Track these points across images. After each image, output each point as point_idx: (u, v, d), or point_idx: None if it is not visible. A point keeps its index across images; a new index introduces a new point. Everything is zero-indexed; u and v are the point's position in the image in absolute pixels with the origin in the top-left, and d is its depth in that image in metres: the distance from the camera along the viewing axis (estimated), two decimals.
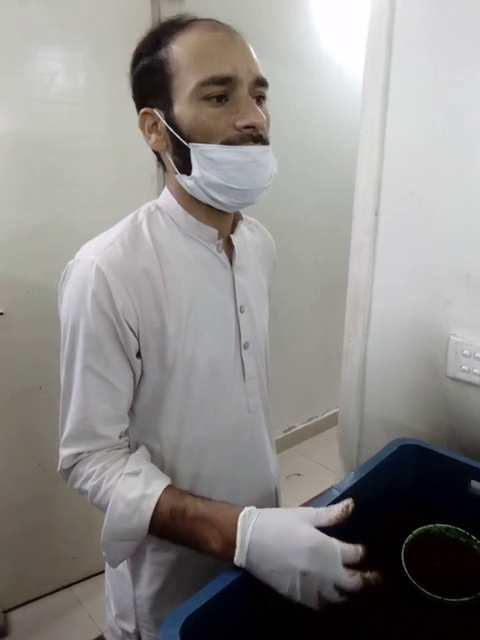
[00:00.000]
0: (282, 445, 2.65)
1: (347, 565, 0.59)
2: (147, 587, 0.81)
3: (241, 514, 0.63)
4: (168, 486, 0.69)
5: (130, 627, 0.84)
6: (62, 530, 1.78)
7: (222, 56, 0.66)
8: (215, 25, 0.68)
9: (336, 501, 0.74)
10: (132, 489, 0.67)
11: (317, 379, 2.73)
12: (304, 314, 2.62)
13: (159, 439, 0.77)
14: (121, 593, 0.84)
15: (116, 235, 0.72)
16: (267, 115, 0.71)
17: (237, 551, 0.61)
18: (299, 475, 2.45)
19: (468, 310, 0.97)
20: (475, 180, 0.92)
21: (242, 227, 0.85)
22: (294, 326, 2.55)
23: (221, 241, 0.78)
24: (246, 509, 0.63)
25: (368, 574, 0.60)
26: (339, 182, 2.46)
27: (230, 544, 0.61)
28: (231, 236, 0.80)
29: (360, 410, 1.20)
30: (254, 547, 0.60)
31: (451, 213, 0.97)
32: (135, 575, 0.82)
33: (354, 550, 0.60)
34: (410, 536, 0.78)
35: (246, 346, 0.81)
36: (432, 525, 0.80)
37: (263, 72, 0.70)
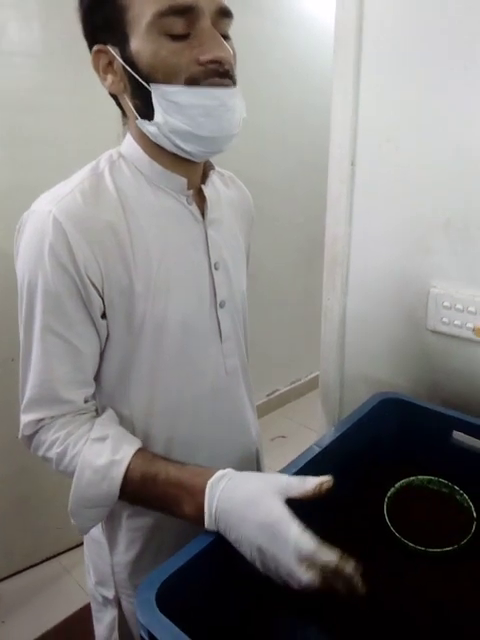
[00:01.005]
0: (266, 408, 2.65)
1: (305, 558, 0.53)
2: (124, 553, 0.79)
3: (210, 480, 0.60)
4: (138, 450, 0.66)
5: (109, 593, 0.82)
6: (45, 501, 1.77)
7: None
8: None
9: (316, 457, 0.72)
10: (99, 455, 0.64)
11: (299, 341, 2.72)
12: (283, 277, 2.59)
13: (129, 404, 0.73)
14: (99, 560, 0.83)
15: (75, 184, 0.66)
16: (233, 50, 0.65)
17: (206, 518, 0.58)
18: (284, 437, 2.46)
19: (448, 258, 0.95)
20: (451, 123, 0.88)
21: (216, 180, 0.80)
22: (274, 289, 2.52)
23: (191, 192, 0.72)
24: (217, 474, 0.60)
25: (348, 571, 0.53)
26: (316, 139, 2.39)
27: (201, 509, 0.59)
28: (202, 187, 0.74)
29: (340, 368, 1.18)
30: (220, 514, 0.57)
31: (429, 158, 0.93)
32: (112, 542, 0.80)
33: (312, 546, 0.53)
34: (392, 489, 0.78)
35: (222, 305, 0.77)
36: (415, 477, 0.80)
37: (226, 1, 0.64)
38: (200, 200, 0.74)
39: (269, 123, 2.26)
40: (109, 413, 0.71)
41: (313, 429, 1.24)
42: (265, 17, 2.15)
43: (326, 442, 0.75)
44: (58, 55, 1.47)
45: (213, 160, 0.77)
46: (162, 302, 0.70)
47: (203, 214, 0.74)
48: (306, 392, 2.86)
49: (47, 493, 1.75)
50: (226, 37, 0.65)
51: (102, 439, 0.66)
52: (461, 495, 0.76)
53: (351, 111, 1.01)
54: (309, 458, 0.71)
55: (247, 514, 0.56)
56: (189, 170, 0.71)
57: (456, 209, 0.92)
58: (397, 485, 0.78)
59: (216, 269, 0.75)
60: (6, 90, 1.42)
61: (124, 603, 0.82)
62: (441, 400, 0.99)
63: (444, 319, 0.95)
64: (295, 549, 0.52)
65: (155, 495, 0.63)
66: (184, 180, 0.71)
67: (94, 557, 0.84)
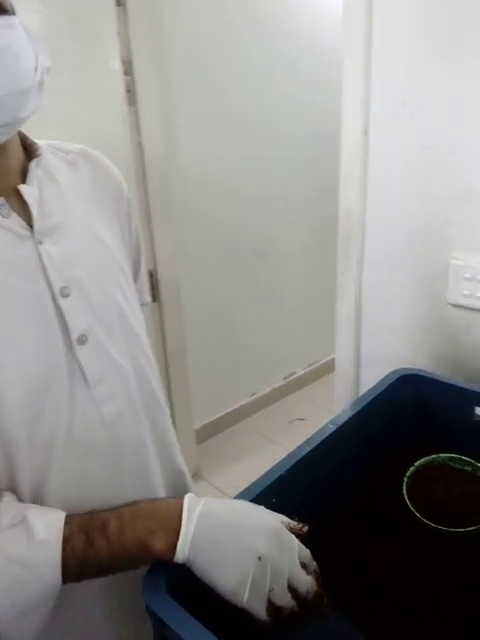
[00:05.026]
0: (284, 391, 2.64)
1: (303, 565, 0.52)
2: None
3: (186, 496, 0.52)
4: (66, 516, 0.51)
5: None
6: None
7: None
8: None
9: (332, 436, 0.70)
10: (18, 543, 0.48)
11: (316, 323, 2.68)
12: (297, 257, 2.54)
13: None
14: None
15: None
16: None
17: (182, 531, 0.49)
18: (302, 420, 2.45)
19: (469, 231, 0.90)
20: (471, 88, 0.83)
21: (52, 166, 0.59)
22: (288, 271, 2.47)
23: (2, 200, 0.52)
24: (190, 494, 0.52)
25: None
26: (331, 108, 2.32)
27: (173, 532, 0.49)
28: (21, 187, 0.54)
29: (356, 345, 1.15)
30: (204, 526, 0.49)
31: (447, 125, 0.88)
32: None
33: (308, 551, 0.53)
34: (412, 468, 0.75)
35: (82, 341, 0.56)
36: (436, 455, 0.77)
37: None
38: (23, 206, 0.54)
39: (282, 94, 2.18)
40: (8, 495, 0.53)
41: (332, 411, 1.22)
42: None
43: (342, 420, 0.72)
44: (59, 36, 1.43)
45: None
46: None
47: (31, 224, 0.54)
48: (324, 374, 2.83)
49: None
50: None
51: (18, 523, 0.49)
52: None
53: (363, 76, 0.96)
54: (324, 437, 0.69)
55: (245, 520, 0.51)
56: None
57: (476, 178, 0.87)
58: (417, 463, 0.75)
59: (64, 296, 0.55)
60: None
61: None
62: (463, 376, 0.96)
63: (465, 291, 0.91)
64: (299, 554, 0.51)
65: (109, 548, 0.49)
66: None
67: None
